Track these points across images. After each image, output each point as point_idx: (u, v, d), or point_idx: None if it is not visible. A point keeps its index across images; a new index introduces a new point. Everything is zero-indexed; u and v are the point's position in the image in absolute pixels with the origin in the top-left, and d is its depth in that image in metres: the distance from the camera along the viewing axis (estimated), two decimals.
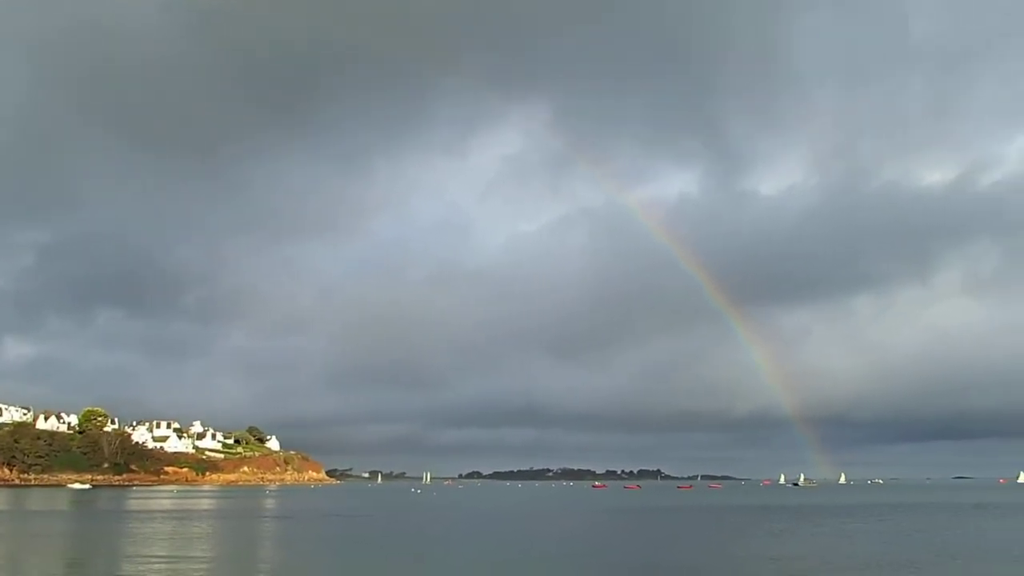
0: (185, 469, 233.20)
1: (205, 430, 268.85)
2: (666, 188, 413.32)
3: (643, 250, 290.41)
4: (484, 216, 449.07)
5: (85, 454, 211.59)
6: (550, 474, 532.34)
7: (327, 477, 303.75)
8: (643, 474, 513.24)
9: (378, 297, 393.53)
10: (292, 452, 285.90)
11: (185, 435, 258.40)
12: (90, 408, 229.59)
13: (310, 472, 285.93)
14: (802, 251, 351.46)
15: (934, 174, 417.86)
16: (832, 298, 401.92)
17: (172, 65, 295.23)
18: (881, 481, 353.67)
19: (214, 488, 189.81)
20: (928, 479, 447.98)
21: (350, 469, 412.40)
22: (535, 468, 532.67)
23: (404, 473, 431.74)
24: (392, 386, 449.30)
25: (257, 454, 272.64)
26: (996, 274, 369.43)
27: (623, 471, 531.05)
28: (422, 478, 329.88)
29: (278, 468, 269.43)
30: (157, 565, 32.13)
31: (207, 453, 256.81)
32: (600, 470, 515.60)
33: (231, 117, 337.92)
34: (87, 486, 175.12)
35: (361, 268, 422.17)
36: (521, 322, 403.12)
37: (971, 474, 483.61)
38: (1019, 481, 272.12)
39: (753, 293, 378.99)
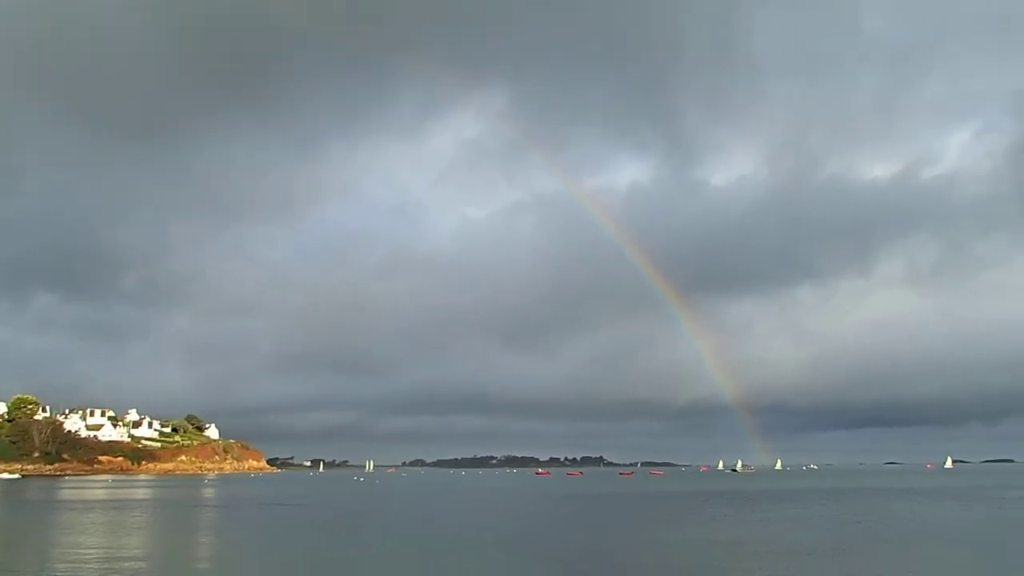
0: (120, 458, 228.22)
1: (141, 418, 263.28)
2: (618, 177, 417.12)
3: (594, 239, 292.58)
4: (437, 201, 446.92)
5: (14, 443, 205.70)
6: (494, 461, 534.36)
7: (268, 466, 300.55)
8: (586, 461, 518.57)
9: (327, 282, 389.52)
10: (232, 441, 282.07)
11: (120, 423, 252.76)
12: (20, 396, 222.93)
13: (250, 461, 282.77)
14: (749, 242, 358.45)
15: (878, 168, 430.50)
16: (776, 289, 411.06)
17: (119, 39, 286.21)
18: (816, 467, 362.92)
19: (150, 478, 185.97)
20: (861, 464, 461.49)
21: (292, 458, 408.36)
22: (479, 456, 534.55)
23: (347, 461, 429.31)
24: (338, 373, 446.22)
25: (196, 443, 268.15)
26: (935, 267, 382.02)
27: (566, 458, 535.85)
28: (365, 466, 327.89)
29: (217, 457, 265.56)
30: (88, 557, 31.21)
31: (143, 442, 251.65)
32: (544, 457, 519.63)
33: (180, 95, 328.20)
34: (16, 476, 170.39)
35: (310, 252, 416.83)
36: (472, 309, 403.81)
37: (901, 460, 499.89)
38: (946, 466, 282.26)
39: (700, 283, 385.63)
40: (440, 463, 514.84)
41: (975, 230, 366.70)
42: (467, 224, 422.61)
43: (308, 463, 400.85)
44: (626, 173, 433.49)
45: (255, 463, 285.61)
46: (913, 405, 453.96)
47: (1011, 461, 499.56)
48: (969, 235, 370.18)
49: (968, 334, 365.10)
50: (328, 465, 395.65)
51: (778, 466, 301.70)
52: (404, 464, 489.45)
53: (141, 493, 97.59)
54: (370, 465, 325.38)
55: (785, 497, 79.44)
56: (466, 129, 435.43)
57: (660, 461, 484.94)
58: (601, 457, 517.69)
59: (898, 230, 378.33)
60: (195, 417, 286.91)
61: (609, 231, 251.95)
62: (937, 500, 73.81)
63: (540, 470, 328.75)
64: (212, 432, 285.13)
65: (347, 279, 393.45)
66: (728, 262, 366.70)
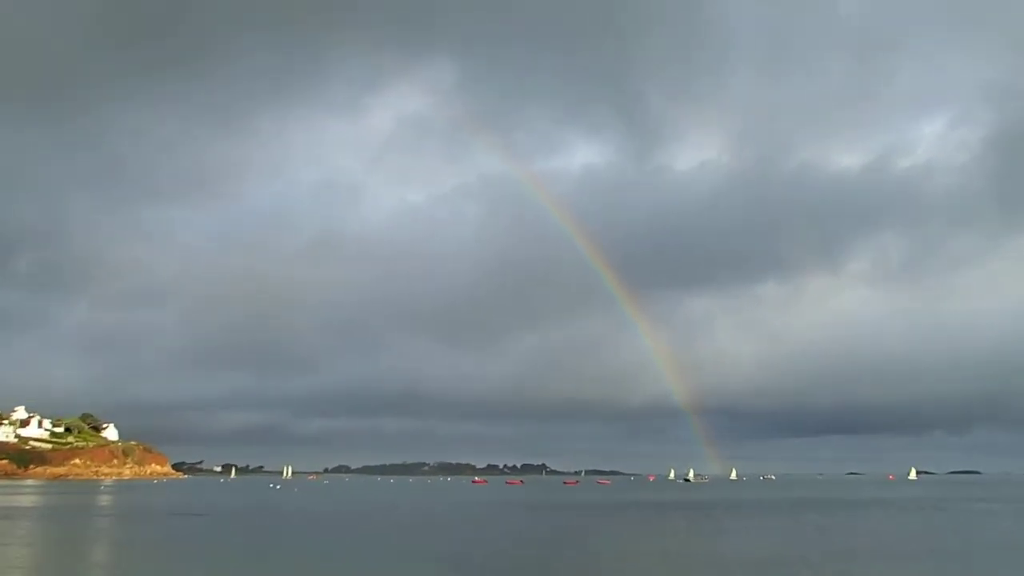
0: (4, 461, 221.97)
1: (30, 417, 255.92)
2: (572, 161, 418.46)
3: (542, 227, 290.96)
4: (373, 182, 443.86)
5: None
6: (426, 468, 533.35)
7: (173, 471, 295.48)
8: (527, 468, 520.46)
9: (246, 268, 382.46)
10: (133, 443, 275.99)
11: (6, 422, 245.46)
12: None
13: (153, 465, 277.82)
14: (709, 234, 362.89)
15: (849, 158, 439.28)
16: (737, 284, 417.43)
17: None
18: (773, 477, 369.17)
19: (38, 483, 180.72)
20: (820, 475, 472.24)
21: (200, 462, 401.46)
22: (409, 462, 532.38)
23: (262, 467, 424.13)
24: (255, 369, 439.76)
25: (91, 444, 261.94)
26: (905, 263, 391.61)
27: (505, 465, 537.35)
28: (282, 473, 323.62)
29: (116, 461, 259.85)
30: None
31: (31, 443, 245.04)
32: (481, 464, 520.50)
33: (84, 56, 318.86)
34: None
35: (229, 235, 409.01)
36: (407, 301, 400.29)
37: (863, 470, 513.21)
38: (910, 478, 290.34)
39: (656, 277, 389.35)
40: (366, 470, 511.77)
41: (948, 225, 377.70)
42: (405, 208, 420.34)
43: (218, 468, 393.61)
44: (580, 156, 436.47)
45: (158, 468, 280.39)
46: (877, 411, 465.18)
47: (978, 472, 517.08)
48: (941, 230, 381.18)
49: (937, 336, 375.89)
50: (241, 471, 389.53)
51: (732, 476, 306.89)
52: (326, 470, 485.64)
53: (27, 500, 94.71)
54: (288, 471, 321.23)
55: (743, 509, 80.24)
56: (408, 105, 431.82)
57: (607, 469, 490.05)
58: (543, 464, 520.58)
59: (868, 224, 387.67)
60: (91, 416, 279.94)
61: (559, 219, 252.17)
62: (900, 513, 75.32)
63: (477, 478, 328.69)
64: (110, 433, 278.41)
65: (269, 265, 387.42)
66: (686, 255, 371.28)
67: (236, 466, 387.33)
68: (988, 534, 50.12)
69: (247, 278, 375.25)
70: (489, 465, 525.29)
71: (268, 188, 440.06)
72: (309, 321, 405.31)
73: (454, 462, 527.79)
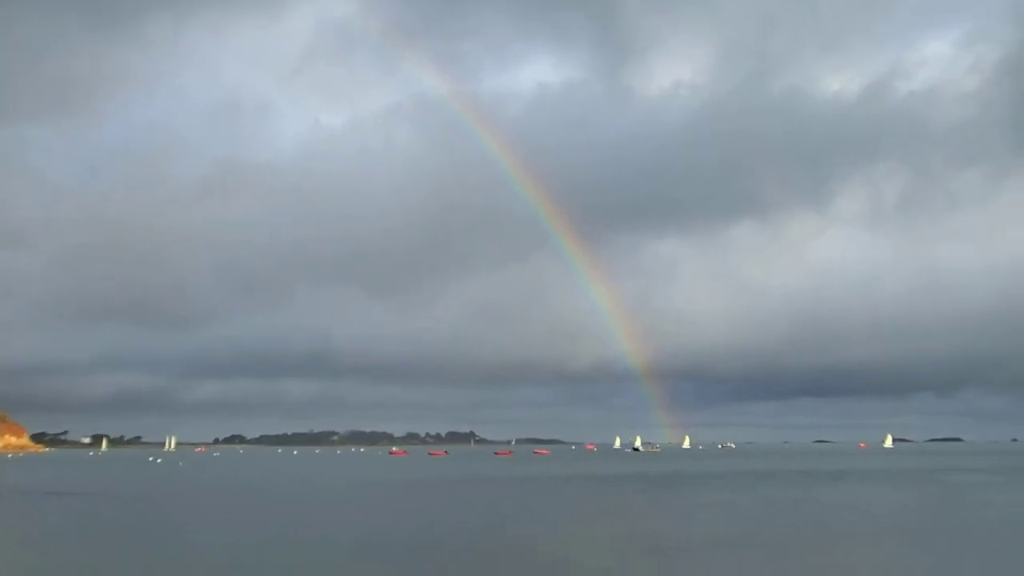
0: None
1: None
2: (523, 78, 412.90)
3: (484, 159, 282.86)
4: (283, 102, 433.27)
5: None
6: (335, 438, 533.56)
7: (32, 443, 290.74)
8: (453, 437, 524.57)
9: (128, 204, 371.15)
10: None
11: None
12: None
13: (8, 437, 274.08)
14: (678, 166, 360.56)
15: (843, 80, 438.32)
16: (708, 225, 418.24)
17: None
18: (733, 445, 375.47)
19: None
20: (786, 443, 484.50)
21: (65, 433, 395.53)
22: (316, 431, 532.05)
23: (140, 438, 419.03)
24: (133, 324, 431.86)
25: None
26: (901, 202, 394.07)
27: (428, 434, 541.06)
28: (164, 444, 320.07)
29: None
30: None
31: None
32: (400, 432, 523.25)
33: None
34: None
35: (104, 164, 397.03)
36: (319, 243, 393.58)
37: (832, 437, 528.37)
38: (885, 446, 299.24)
39: (613, 216, 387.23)
40: (264, 440, 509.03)
41: (952, 160, 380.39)
42: (322, 134, 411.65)
43: (87, 440, 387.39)
44: (533, 72, 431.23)
45: (14, 440, 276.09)
46: (857, 371, 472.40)
47: (959, 440, 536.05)
48: (944, 166, 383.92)
49: (932, 284, 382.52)
50: (114, 442, 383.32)
51: (686, 444, 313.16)
52: (217, 441, 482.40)
53: None
54: (171, 443, 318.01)
55: (702, 483, 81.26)
56: (330, 7, 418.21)
57: (545, 438, 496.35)
58: (472, 433, 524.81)
59: (861, 157, 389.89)
60: None
61: (504, 150, 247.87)
62: (872, 485, 77.04)
63: (395, 449, 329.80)
64: None
65: (153, 201, 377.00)
66: (650, 190, 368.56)
67: (108, 437, 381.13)
68: (975, 510, 51.29)
69: (126, 216, 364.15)
70: (409, 434, 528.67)
71: (154, 107, 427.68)
72: (202, 268, 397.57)
73: (368, 431, 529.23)
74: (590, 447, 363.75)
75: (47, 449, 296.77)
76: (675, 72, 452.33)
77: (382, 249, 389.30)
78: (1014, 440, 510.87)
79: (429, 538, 37.09)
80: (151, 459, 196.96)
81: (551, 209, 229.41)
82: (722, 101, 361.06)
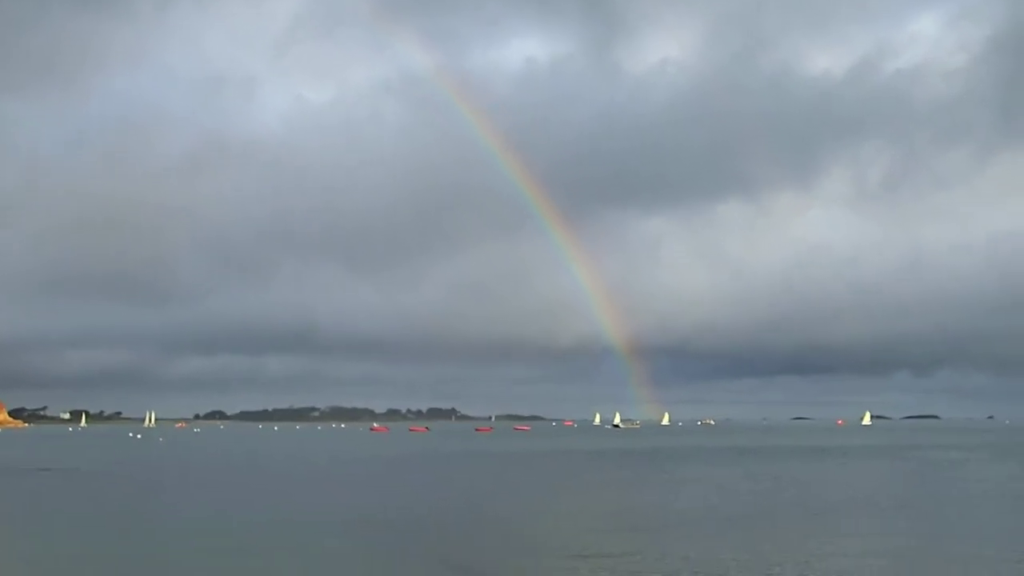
0: None
1: None
2: (511, 54, 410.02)
3: (471, 135, 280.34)
4: (270, 77, 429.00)
5: None
6: (316, 414, 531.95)
7: (10, 419, 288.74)
8: (434, 413, 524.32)
9: (111, 178, 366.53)
10: None
11: None
12: None
13: None
14: (665, 143, 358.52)
15: (831, 57, 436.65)
16: (694, 203, 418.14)
17: None
18: (712, 422, 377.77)
19: None
20: (765, 419, 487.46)
21: (44, 408, 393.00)
22: (297, 407, 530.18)
23: (119, 413, 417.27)
24: (113, 299, 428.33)
25: None
26: (886, 181, 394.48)
27: (409, 410, 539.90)
28: (144, 419, 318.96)
29: None
30: None
31: None
32: (381, 409, 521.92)
33: None
34: None
35: (87, 138, 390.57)
36: (302, 219, 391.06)
37: (811, 414, 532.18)
38: (863, 423, 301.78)
39: (599, 193, 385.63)
40: (245, 416, 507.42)
41: (937, 139, 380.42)
42: (306, 108, 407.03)
43: (66, 415, 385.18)
44: (521, 48, 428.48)
45: None
46: (837, 350, 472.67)
47: (936, 417, 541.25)
48: (930, 144, 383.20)
49: (916, 263, 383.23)
50: (94, 418, 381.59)
51: (665, 421, 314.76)
52: (198, 417, 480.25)
53: None
54: (151, 418, 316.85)
55: (683, 458, 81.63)
56: None
57: (525, 414, 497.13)
58: (453, 409, 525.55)
59: (848, 135, 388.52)
60: None
61: (490, 127, 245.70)
62: (850, 461, 77.63)
63: (376, 425, 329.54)
64: None
65: (137, 176, 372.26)
66: (637, 167, 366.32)
67: (88, 413, 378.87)
68: (950, 485, 51.72)
69: (108, 190, 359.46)
70: (390, 410, 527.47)
71: (138, 81, 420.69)
72: (185, 243, 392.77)
73: (350, 407, 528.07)
74: (568, 423, 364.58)
75: (26, 425, 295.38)
76: (663, 49, 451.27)
77: (367, 225, 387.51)
78: (990, 417, 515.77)
79: (412, 516, 37.08)
80: (131, 435, 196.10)
81: (537, 186, 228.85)
82: (709, 79, 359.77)
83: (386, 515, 36.57)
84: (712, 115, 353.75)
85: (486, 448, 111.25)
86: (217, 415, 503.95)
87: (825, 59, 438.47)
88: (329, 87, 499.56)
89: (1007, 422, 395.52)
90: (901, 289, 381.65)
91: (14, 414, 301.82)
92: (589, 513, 36.80)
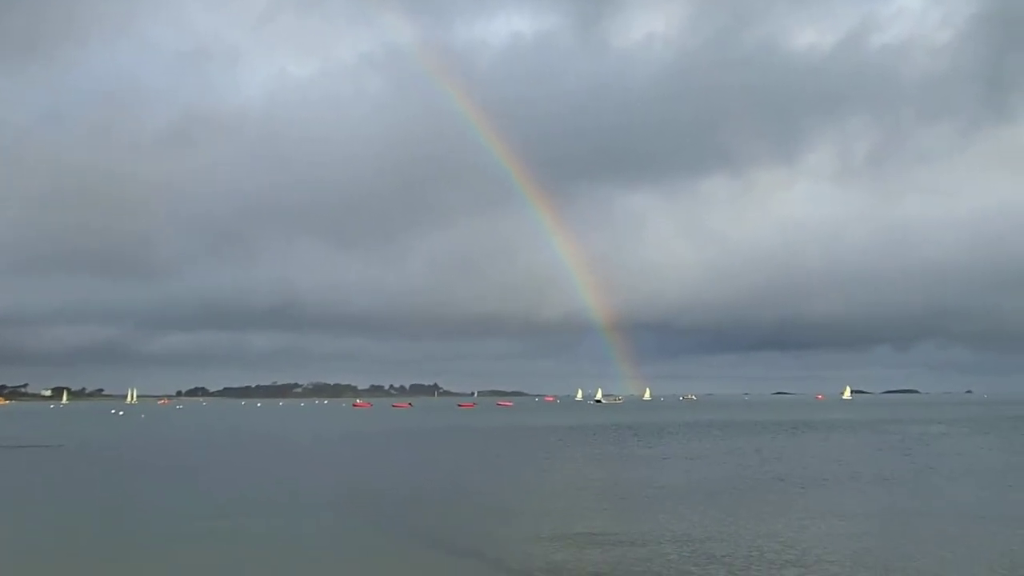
0: None
1: None
2: (496, 28, 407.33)
3: (455, 110, 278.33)
4: (252, 50, 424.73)
5: None
6: (298, 390, 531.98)
7: None
8: (417, 389, 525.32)
9: (92, 152, 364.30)
10: None
11: None
12: None
13: None
14: (651, 118, 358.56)
15: (817, 32, 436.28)
16: (679, 178, 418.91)
17: None
18: (694, 397, 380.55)
19: None
20: (746, 395, 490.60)
21: (25, 385, 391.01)
22: (280, 383, 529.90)
23: (101, 390, 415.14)
24: (95, 275, 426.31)
25: None
26: (871, 157, 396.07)
27: (392, 386, 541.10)
28: (126, 396, 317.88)
29: None
30: None
31: None
32: (363, 385, 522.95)
33: None
34: None
35: (66, 112, 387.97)
36: (285, 194, 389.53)
37: (792, 389, 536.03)
38: (844, 397, 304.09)
39: (584, 169, 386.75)
40: (228, 392, 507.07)
41: (922, 114, 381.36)
42: (289, 82, 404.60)
43: (47, 392, 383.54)
44: (507, 22, 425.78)
45: None
46: (818, 325, 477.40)
47: (915, 392, 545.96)
48: (915, 120, 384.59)
49: (898, 239, 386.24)
50: (75, 395, 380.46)
51: (647, 396, 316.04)
52: (180, 394, 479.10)
53: None
54: (133, 395, 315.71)
55: (668, 433, 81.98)
56: None
57: (508, 390, 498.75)
58: (435, 385, 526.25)
59: (833, 111, 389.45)
60: None
61: (475, 100, 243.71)
62: (831, 434, 78.17)
63: (359, 401, 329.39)
64: None
65: (116, 150, 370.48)
66: (621, 143, 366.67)
67: (69, 389, 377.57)
68: (929, 457, 52.16)
69: (87, 165, 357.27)
70: (373, 386, 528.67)
71: (121, 54, 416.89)
72: (167, 217, 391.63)
73: (332, 383, 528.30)
74: (549, 399, 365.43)
75: (7, 402, 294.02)
76: (649, 24, 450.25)
77: (350, 200, 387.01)
78: (968, 392, 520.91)
79: (398, 494, 37.13)
80: (113, 412, 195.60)
81: (521, 161, 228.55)
82: (695, 54, 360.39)
83: (372, 491, 36.62)
84: (697, 90, 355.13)
85: (471, 423, 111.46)
86: (200, 392, 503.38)
87: (811, 34, 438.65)
88: (313, 61, 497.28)
89: (985, 396, 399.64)
90: (884, 265, 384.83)
91: None
92: (573, 489, 36.89)
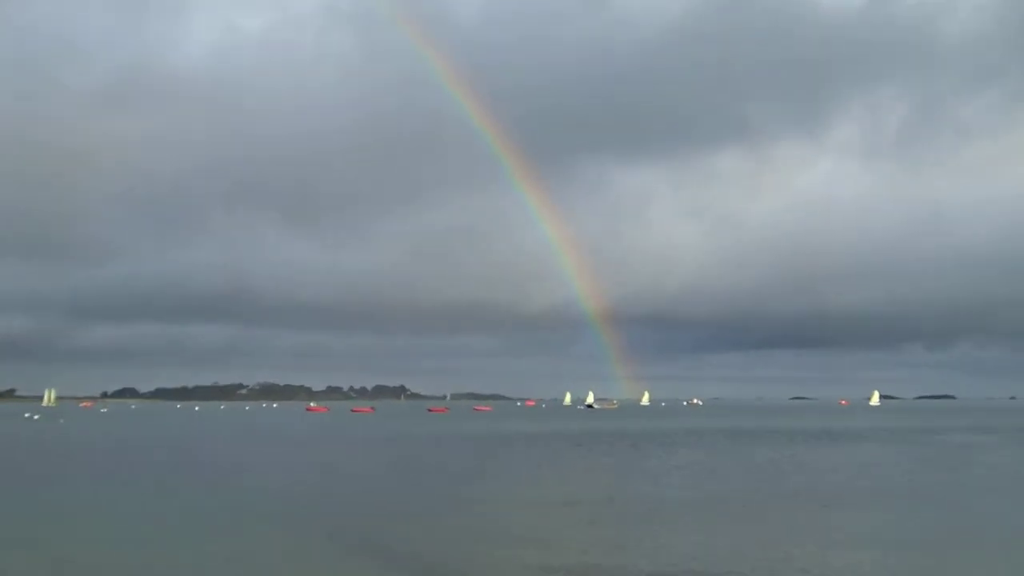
0: None
1: None
2: None
3: (429, 73, 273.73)
4: (198, 1, 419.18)
5: None
6: (244, 392, 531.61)
7: None
8: (381, 391, 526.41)
9: (14, 119, 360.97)
10: None
11: None
12: None
13: None
14: (655, 86, 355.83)
15: None
16: (687, 152, 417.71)
17: None
18: (699, 402, 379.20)
19: None
20: (759, 399, 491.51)
21: None
22: (222, 383, 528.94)
23: (13, 391, 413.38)
24: (13, 257, 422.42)
25: None
26: (902, 131, 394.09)
27: (352, 388, 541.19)
28: (43, 398, 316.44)
29: None
30: None
31: None
32: (319, 386, 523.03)
33: None
34: None
35: None
36: (236, 167, 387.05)
37: (811, 393, 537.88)
38: (871, 403, 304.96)
39: (577, 141, 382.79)
40: (161, 393, 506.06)
41: (961, 83, 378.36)
42: (237, 36, 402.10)
43: None
44: None
45: None
46: (843, 319, 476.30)
47: (952, 397, 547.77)
48: (952, 89, 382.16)
49: (932, 223, 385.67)
50: None
51: (645, 400, 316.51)
52: (106, 395, 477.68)
53: None
54: (50, 396, 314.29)
55: (664, 441, 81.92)
56: None
57: (485, 393, 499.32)
58: (403, 386, 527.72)
59: (861, 78, 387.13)
60: None
61: (451, 61, 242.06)
62: (857, 445, 78.29)
63: (313, 404, 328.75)
64: None
65: (44, 116, 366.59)
66: (621, 112, 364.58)
67: None
68: (969, 473, 52.15)
69: (12, 134, 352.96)
70: (330, 387, 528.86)
71: (43, 8, 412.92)
72: (98, 192, 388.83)
73: (283, 384, 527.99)
74: (530, 403, 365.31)
75: None
76: None
77: (307, 175, 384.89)
78: (1012, 398, 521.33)
79: (351, 513, 36.83)
80: (27, 415, 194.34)
81: (504, 133, 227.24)
82: (708, 12, 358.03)
83: (315, 517, 36.29)
84: (708, 51, 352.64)
85: (441, 430, 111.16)
86: (129, 392, 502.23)
87: None
88: (265, 12, 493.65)
89: None
90: (913, 252, 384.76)
91: None
92: (568, 503, 36.68)
